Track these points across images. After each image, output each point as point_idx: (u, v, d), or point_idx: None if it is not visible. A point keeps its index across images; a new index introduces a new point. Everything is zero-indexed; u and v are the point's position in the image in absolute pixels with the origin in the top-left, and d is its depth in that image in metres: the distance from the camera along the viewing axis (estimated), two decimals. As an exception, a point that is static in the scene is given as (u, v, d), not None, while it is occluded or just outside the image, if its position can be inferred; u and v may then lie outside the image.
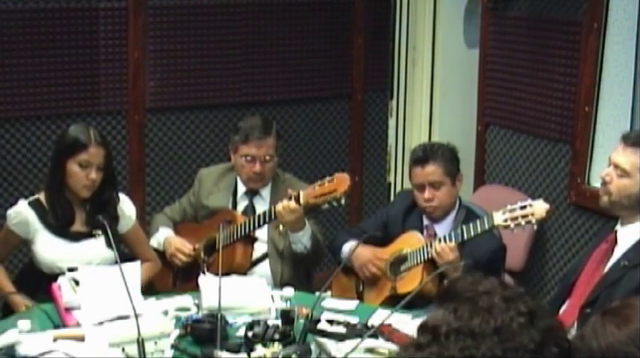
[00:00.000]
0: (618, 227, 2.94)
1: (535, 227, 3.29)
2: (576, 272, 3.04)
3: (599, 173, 3.01)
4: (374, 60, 5.04)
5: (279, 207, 3.47)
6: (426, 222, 3.59)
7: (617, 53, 3.92)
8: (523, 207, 3.17)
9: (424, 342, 1.52)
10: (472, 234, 3.29)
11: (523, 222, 3.16)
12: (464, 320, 1.49)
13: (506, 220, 3.19)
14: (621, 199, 2.88)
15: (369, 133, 5.15)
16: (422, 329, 1.55)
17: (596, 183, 3.99)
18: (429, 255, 3.33)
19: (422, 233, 3.56)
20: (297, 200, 3.45)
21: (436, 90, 4.99)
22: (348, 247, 3.59)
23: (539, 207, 3.15)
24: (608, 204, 2.94)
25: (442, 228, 3.53)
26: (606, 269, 2.90)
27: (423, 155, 3.52)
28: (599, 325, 1.68)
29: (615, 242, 2.93)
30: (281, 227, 3.60)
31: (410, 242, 3.49)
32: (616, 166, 2.89)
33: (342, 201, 3.40)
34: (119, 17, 4.41)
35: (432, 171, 3.49)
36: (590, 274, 2.95)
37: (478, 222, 3.29)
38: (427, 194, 3.49)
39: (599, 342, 1.64)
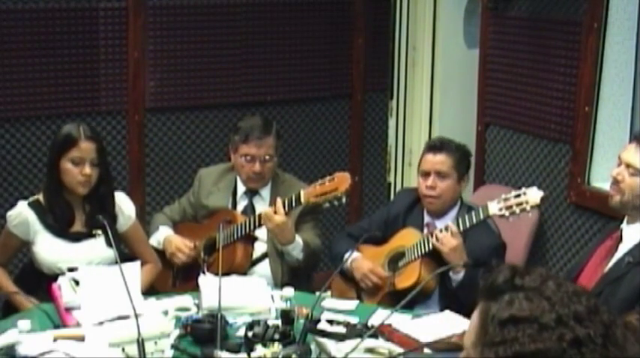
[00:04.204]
0: (624, 225, 2.96)
1: (530, 215, 3.31)
2: (579, 268, 3.05)
3: (611, 172, 3.00)
4: (374, 60, 5.04)
5: (262, 213, 3.49)
6: (427, 219, 3.61)
7: (617, 53, 3.92)
8: (517, 196, 3.21)
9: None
10: (468, 224, 3.31)
11: (518, 210, 3.19)
12: (561, 306, 1.47)
13: (501, 209, 3.23)
14: (633, 199, 2.88)
15: (369, 133, 5.15)
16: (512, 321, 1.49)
17: (596, 182, 4.00)
18: (429, 247, 3.35)
19: (423, 230, 3.57)
20: (298, 200, 3.45)
21: (436, 90, 4.99)
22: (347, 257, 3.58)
23: (533, 195, 3.19)
24: (619, 204, 2.94)
25: (443, 225, 3.53)
26: (610, 265, 2.92)
27: (439, 144, 3.59)
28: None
29: (620, 239, 2.94)
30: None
31: (407, 238, 3.51)
32: (628, 165, 2.90)
33: (344, 200, 3.41)
34: (119, 17, 4.41)
35: (441, 160, 3.53)
36: (593, 270, 2.96)
37: (473, 213, 3.32)
38: (430, 181, 3.52)
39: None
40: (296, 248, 3.59)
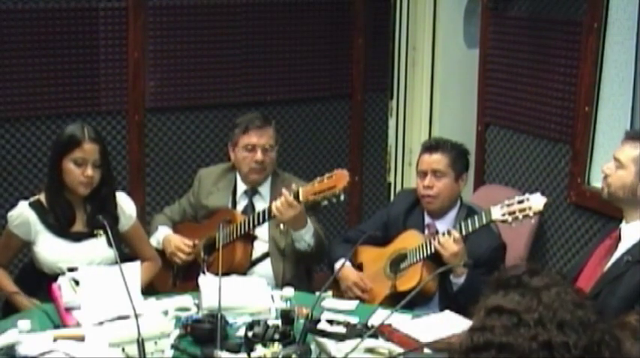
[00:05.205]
0: (623, 224, 2.98)
1: (533, 221, 3.32)
2: (579, 268, 3.06)
3: (602, 167, 3.08)
4: (374, 60, 5.04)
5: (277, 203, 3.46)
6: (427, 220, 3.61)
7: (617, 53, 3.92)
8: (520, 201, 3.21)
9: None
10: (470, 229, 3.31)
11: (521, 216, 3.18)
12: (548, 309, 1.47)
13: (504, 214, 3.22)
14: (617, 190, 2.97)
15: (369, 133, 5.15)
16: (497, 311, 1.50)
17: (596, 182, 4.00)
18: (432, 250, 3.34)
19: (423, 231, 3.56)
20: (297, 198, 3.45)
21: (436, 90, 4.99)
22: (338, 265, 3.56)
23: (537, 201, 3.18)
24: (607, 196, 3.03)
25: (443, 226, 3.54)
26: (609, 264, 2.93)
27: (435, 144, 3.63)
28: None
29: (619, 238, 2.96)
30: (282, 226, 3.59)
31: (409, 240, 3.50)
32: (615, 160, 2.99)
33: (342, 198, 3.40)
34: (119, 17, 4.41)
35: (437, 159, 3.54)
36: (593, 269, 2.98)
37: (476, 217, 3.32)
38: (427, 181, 3.53)
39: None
40: (308, 231, 3.58)
